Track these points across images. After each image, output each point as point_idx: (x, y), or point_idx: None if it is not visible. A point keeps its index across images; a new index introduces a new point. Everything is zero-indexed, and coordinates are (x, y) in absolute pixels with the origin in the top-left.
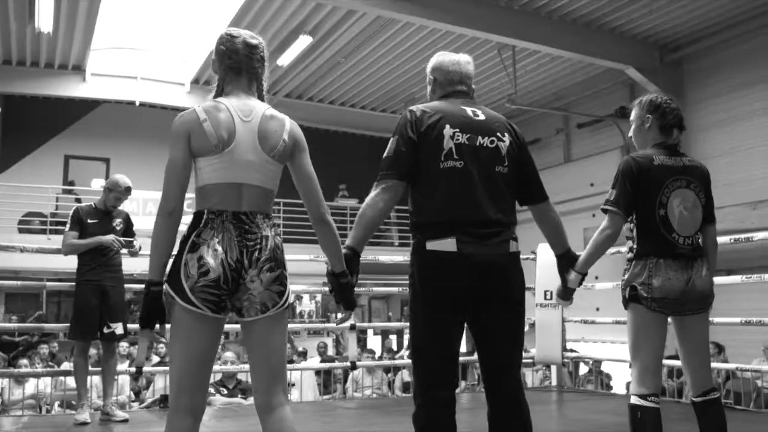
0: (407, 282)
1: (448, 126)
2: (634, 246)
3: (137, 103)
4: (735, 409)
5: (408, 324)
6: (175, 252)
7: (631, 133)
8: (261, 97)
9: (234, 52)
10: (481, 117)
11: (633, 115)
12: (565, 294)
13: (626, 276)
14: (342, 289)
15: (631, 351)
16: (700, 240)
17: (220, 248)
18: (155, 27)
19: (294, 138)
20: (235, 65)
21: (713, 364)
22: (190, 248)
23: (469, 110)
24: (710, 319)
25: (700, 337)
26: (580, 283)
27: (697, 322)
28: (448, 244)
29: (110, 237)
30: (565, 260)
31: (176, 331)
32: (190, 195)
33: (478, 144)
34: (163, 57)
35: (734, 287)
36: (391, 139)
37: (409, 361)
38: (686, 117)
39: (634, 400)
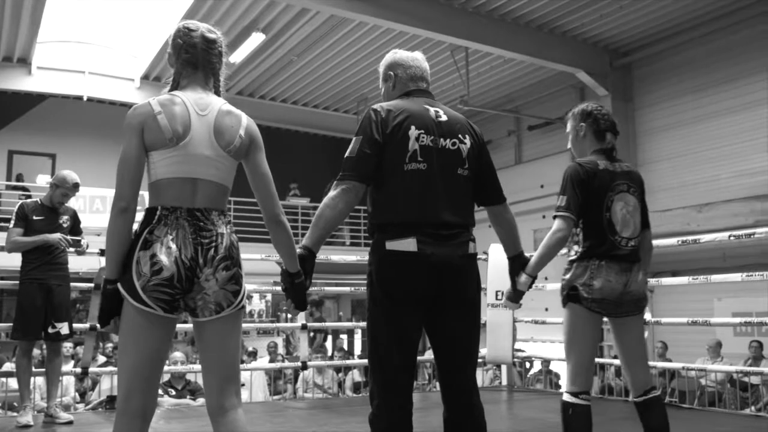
0: (358, 282)
1: (413, 127)
2: (579, 248)
3: (85, 98)
4: (680, 408)
5: (363, 323)
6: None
7: (569, 145)
8: (218, 93)
9: (191, 46)
10: (444, 118)
11: (569, 127)
12: (515, 296)
13: (568, 276)
14: (295, 290)
15: (565, 349)
16: (638, 243)
17: (174, 246)
18: (105, 21)
19: (250, 135)
20: (192, 59)
21: (660, 363)
22: (142, 246)
23: (432, 111)
24: (658, 319)
25: (636, 339)
26: (530, 286)
27: (633, 324)
28: (408, 244)
29: (57, 235)
30: (517, 263)
31: (127, 331)
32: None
33: (440, 146)
34: (113, 51)
35: (681, 288)
36: (354, 139)
37: (361, 361)
38: (634, 121)
39: (566, 397)
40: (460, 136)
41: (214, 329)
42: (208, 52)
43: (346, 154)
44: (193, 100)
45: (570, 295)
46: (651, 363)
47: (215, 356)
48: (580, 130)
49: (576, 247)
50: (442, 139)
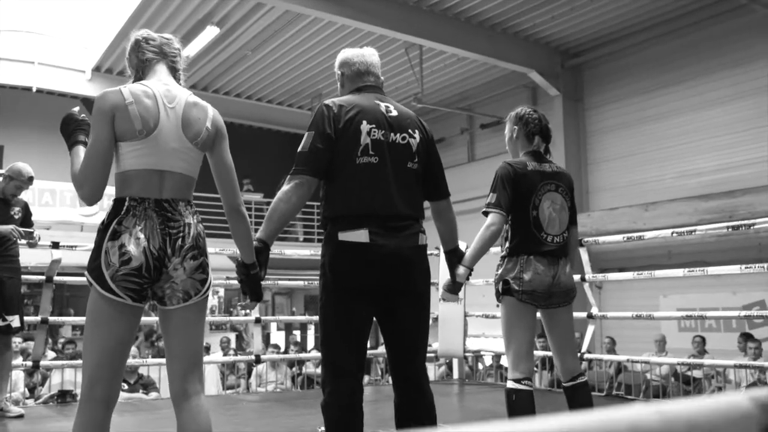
0: (311, 277)
1: (365, 122)
2: (508, 245)
3: (34, 89)
4: (626, 399)
5: (316, 317)
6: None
7: (507, 146)
8: (178, 81)
9: (152, 39)
10: (394, 113)
11: (506, 130)
12: (454, 288)
13: (500, 271)
14: (251, 281)
15: (504, 340)
16: (565, 239)
17: (142, 236)
18: (56, 11)
19: (216, 126)
20: (153, 50)
21: (607, 356)
22: (111, 236)
23: (383, 106)
24: (604, 313)
25: (566, 328)
26: (467, 278)
27: (562, 313)
28: (360, 235)
29: (9, 227)
30: (454, 256)
31: (94, 319)
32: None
33: (391, 140)
34: (63, 42)
35: (628, 285)
36: (307, 134)
37: (314, 354)
38: (584, 121)
39: (509, 384)
40: (410, 130)
41: (181, 317)
42: (169, 45)
43: (299, 149)
44: (162, 92)
45: (503, 289)
46: (599, 356)
47: (180, 343)
48: (513, 132)
49: (506, 244)
50: (392, 134)
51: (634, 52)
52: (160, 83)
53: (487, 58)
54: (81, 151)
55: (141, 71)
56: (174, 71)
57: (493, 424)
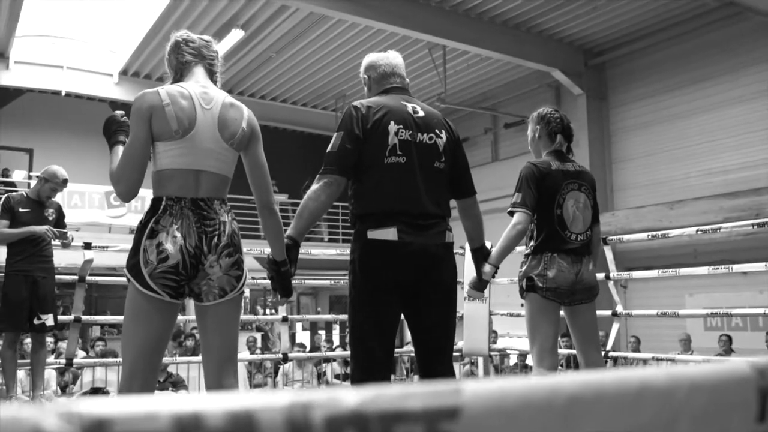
0: (336, 277)
1: (392, 122)
2: (533, 242)
3: (63, 93)
4: None
5: (341, 317)
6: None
7: (529, 147)
8: (215, 83)
9: (191, 41)
10: (421, 114)
11: (528, 130)
12: (480, 285)
13: (523, 269)
14: (281, 277)
15: (529, 336)
16: (588, 237)
17: (179, 234)
18: (84, 15)
19: (252, 127)
20: (192, 52)
21: (632, 355)
22: (148, 235)
23: (409, 106)
24: (629, 311)
25: (589, 325)
26: (493, 276)
27: (585, 311)
28: (390, 233)
29: (44, 227)
30: (480, 254)
31: (132, 316)
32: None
33: (418, 140)
34: (91, 46)
35: (653, 284)
36: (336, 134)
37: (340, 353)
38: (609, 119)
39: None
40: (436, 131)
41: (217, 313)
42: (208, 48)
43: (328, 149)
44: (199, 93)
45: (527, 286)
46: (623, 354)
47: (216, 338)
48: (536, 132)
49: (531, 242)
50: (419, 134)
51: (657, 50)
52: (197, 85)
53: (510, 58)
54: (120, 150)
55: (180, 73)
56: (212, 74)
57: (515, 379)
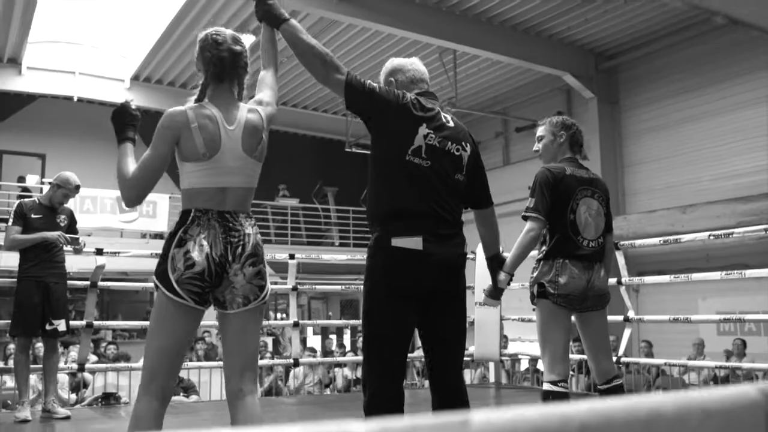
0: (346, 281)
1: (425, 125)
2: (545, 247)
3: (75, 99)
4: None
5: (352, 322)
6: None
7: (538, 148)
8: (240, 98)
9: (220, 60)
10: (451, 124)
11: (543, 131)
12: (496, 293)
13: (535, 274)
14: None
15: (540, 343)
16: (600, 244)
17: (205, 243)
18: (95, 21)
19: (269, 123)
20: (220, 73)
21: (644, 360)
22: (177, 243)
23: (442, 115)
24: (641, 317)
25: (600, 331)
26: (508, 283)
27: (597, 317)
28: (415, 243)
29: (56, 233)
30: (495, 262)
31: (157, 319)
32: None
33: (446, 149)
34: (103, 52)
35: (665, 288)
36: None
37: (351, 358)
38: (620, 123)
39: (546, 386)
40: (463, 143)
41: (239, 320)
42: (235, 65)
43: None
44: (223, 114)
45: (539, 292)
46: (635, 360)
47: (238, 345)
48: (559, 137)
49: (542, 247)
50: (449, 143)
51: (669, 53)
52: (221, 106)
53: (520, 62)
54: (129, 149)
55: (207, 85)
56: (239, 85)
57: (525, 409)
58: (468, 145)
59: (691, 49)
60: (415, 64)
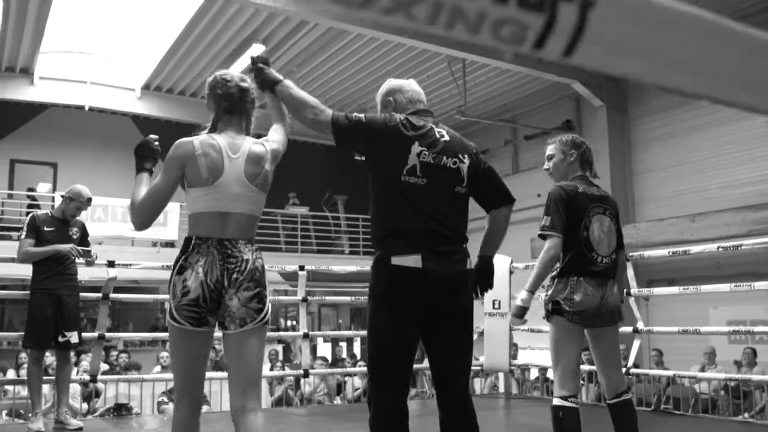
0: (357, 290)
1: (417, 143)
2: (559, 264)
3: (86, 108)
4: (673, 414)
5: (362, 332)
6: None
7: (548, 167)
8: (248, 131)
9: (230, 96)
10: (446, 138)
11: (553, 150)
12: (518, 312)
13: (550, 292)
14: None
15: (553, 358)
16: (613, 261)
17: (201, 270)
18: (106, 31)
19: (275, 159)
20: (230, 107)
21: (653, 372)
22: (178, 271)
23: (436, 130)
24: (650, 328)
25: (612, 347)
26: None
27: (608, 333)
28: (414, 261)
29: (68, 246)
30: (488, 262)
31: (171, 344)
32: None
33: (442, 164)
34: (114, 62)
35: (676, 297)
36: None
37: (361, 369)
38: (629, 131)
39: (556, 401)
40: (460, 155)
41: (239, 340)
42: (243, 100)
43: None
44: (227, 143)
45: (554, 309)
46: (645, 371)
47: (239, 363)
48: (570, 156)
49: (557, 264)
50: (444, 157)
51: None
52: (227, 136)
53: (529, 70)
54: (144, 179)
55: (217, 119)
56: (247, 119)
57: None
58: (466, 156)
59: None
60: (412, 85)
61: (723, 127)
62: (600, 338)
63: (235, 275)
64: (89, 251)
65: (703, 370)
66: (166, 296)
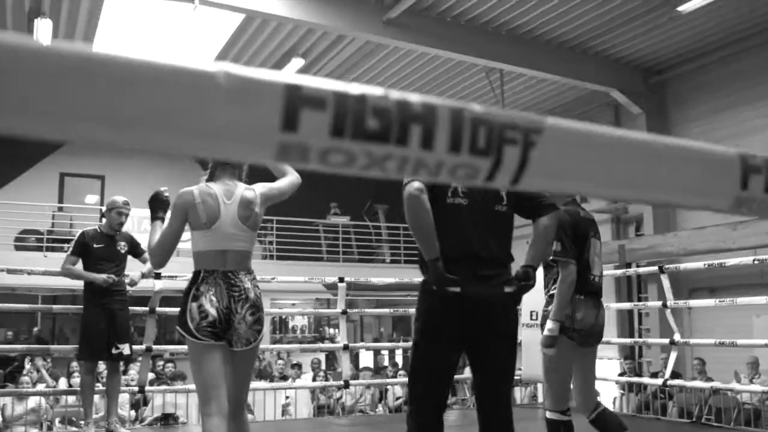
0: (398, 299)
1: None
2: (560, 283)
3: None
4: (711, 426)
5: (403, 344)
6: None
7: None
8: (241, 179)
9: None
10: None
11: None
12: (547, 342)
13: (549, 308)
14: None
15: (548, 374)
16: (601, 279)
17: (214, 298)
18: (149, 46)
19: (265, 201)
20: (224, 161)
21: (690, 383)
22: (192, 299)
23: None
24: (686, 340)
25: (592, 366)
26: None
27: (591, 353)
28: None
29: (101, 277)
30: (530, 269)
31: (192, 358)
32: None
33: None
34: None
35: (716, 306)
36: None
37: (402, 380)
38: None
39: (553, 416)
40: None
41: (242, 357)
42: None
43: None
44: (223, 191)
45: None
46: (681, 383)
47: (239, 375)
48: None
49: (555, 285)
50: None
51: (718, 67)
52: (222, 184)
53: (567, 79)
54: (158, 226)
55: (215, 169)
56: (240, 168)
57: None
58: None
59: (740, 62)
60: None
61: (764, 133)
62: (584, 357)
63: (241, 303)
64: (124, 279)
65: (743, 380)
66: None
